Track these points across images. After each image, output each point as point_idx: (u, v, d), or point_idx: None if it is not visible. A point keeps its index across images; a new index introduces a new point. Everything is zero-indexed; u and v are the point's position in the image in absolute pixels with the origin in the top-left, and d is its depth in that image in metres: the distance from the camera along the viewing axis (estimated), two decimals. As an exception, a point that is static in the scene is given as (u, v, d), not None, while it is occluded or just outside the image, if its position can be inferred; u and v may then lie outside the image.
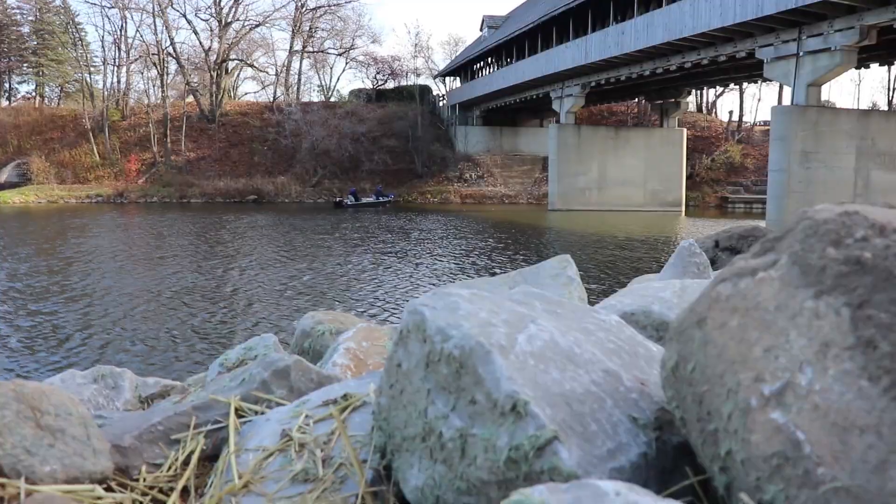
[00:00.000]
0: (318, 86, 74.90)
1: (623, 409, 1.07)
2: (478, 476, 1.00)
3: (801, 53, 23.48)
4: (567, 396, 1.03)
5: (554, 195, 43.20)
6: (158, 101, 58.05)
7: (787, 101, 26.21)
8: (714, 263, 3.14)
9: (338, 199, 46.20)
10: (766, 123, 56.31)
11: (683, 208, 44.29)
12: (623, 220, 35.41)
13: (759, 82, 43.56)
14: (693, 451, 1.00)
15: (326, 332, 2.30)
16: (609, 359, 1.16)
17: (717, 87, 53.70)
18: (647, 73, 33.86)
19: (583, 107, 44.41)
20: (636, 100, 54.57)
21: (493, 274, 17.20)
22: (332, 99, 67.25)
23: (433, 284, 15.88)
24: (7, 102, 66.41)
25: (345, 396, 1.38)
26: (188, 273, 18.06)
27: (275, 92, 63.04)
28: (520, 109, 55.78)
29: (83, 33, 65.89)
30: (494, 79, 51.22)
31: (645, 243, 25.24)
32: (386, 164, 54.19)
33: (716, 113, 63.73)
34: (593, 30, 36.71)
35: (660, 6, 31.05)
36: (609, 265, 18.93)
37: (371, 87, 67.40)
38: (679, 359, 1.00)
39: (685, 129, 46.35)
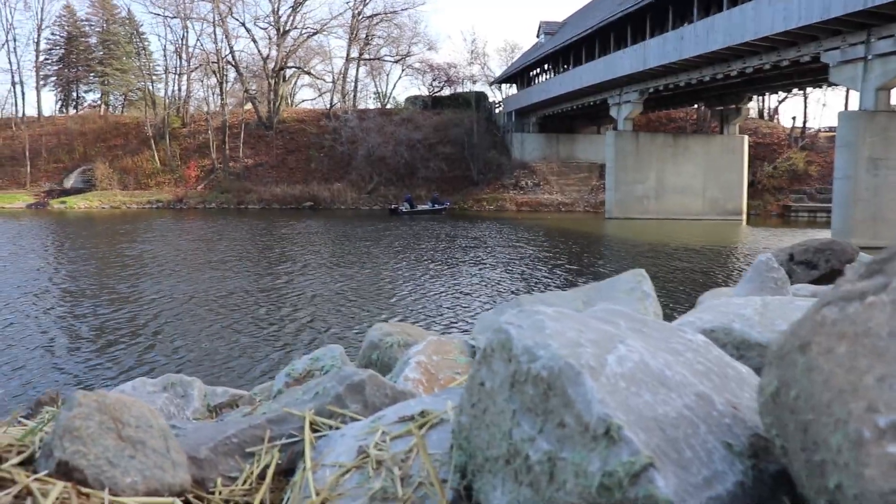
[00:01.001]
0: (375, 93, 75.62)
1: (717, 435, 1.03)
2: (567, 501, 0.97)
3: (869, 56, 22.84)
4: (660, 421, 1.00)
5: (611, 203, 42.80)
6: (217, 109, 59.29)
7: (854, 105, 25.52)
8: (790, 278, 3.06)
9: (393, 205, 46.54)
10: (831, 129, 54.87)
11: (745, 217, 43.42)
12: (682, 230, 34.90)
13: (825, 87, 42.45)
14: (793, 481, 0.95)
15: (395, 345, 2.29)
16: (700, 381, 1.12)
17: (780, 93, 52.68)
18: (707, 78, 33.35)
19: (641, 113, 43.95)
20: (695, 106, 53.78)
21: (558, 286, 17.15)
22: (388, 106, 67.86)
23: (496, 297, 15.80)
24: (74, 111, 68.75)
25: (422, 413, 1.37)
26: (247, 279, 18.33)
27: (331, 99, 63.98)
28: (577, 116, 55.49)
29: (146, 43, 67.63)
30: (551, 85, 51.05)
31: (707, 254, 24.81)
32: (441, 171, 54.41)
33: (778, 119, 62.41)
34: (652, 35, 36.34)
35: (720, 10, 30.54)
36: (673, 277, 18.64)
37: (427, 94, 67.83)
38: (780, 385, 0.96)
39: (746, 136, 45.43)
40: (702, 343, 1.28)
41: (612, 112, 43.30)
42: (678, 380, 1.10)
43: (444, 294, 16.26)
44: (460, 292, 16.51)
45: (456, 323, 13.19)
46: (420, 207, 46.46)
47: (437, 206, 46.53)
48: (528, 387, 1.06)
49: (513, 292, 16.36)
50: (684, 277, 18.79)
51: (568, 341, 1.09)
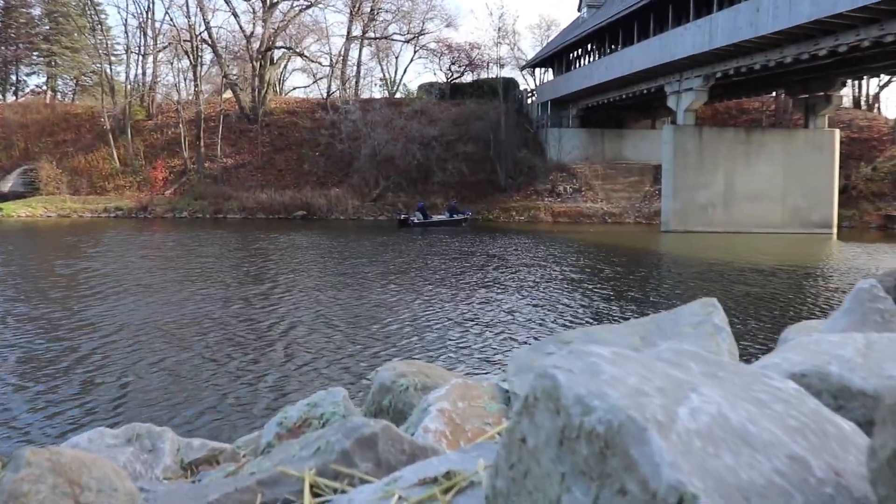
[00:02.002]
0: (381, 79, 76.23)
1: (815, 508, 1.03)
2: (629, 588, 0.97)
3: None
4: (745, 489, 1.00)
5: (668, 213, 42.81)
6: (191, 98, 60.00)
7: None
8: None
9: (402, 215, 46.72)
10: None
11: (835, 230, 43.18)
12: (758, 245, 34.77)
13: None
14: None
15: (411, 388, 2.30)
16: (793, 439, 1.12)
17: (882, 77, 52.44)
18: (789, 59, 33.24)
19: (705, 103, 44.02)
20: (774, 94, 53.79)
21: (606, 317, 17.13)
22: (398, 95, 68.34)
23: (532, 330, 15.77)
24: (14, 98, 69.13)
25: (447, 475, 1.37)
26: (227, 305, 18.39)
27: (329, 87, 64.52)
28: (626, 107, 55.64)
29: (103, 16, 68.58)
30: (595, 69, 51.27)
31: (790, 277, 24.68)
32: (462, 173, 54.75)
33: (879, 109, 61.90)
34: (720, 7, 36.35)
35: (806, -24, 30.54)
36: (747, 307, 18.52)
37: (444, 80, 68.33)
38: (896, 446, 0.95)
39: (837, 130, 45.18)
40: (793, 391, 1.27)
41: (670, 102, 43.38)
42: (765, 438, 1.09)
43: (467, 325, 16.25)
44: (487, 323, 16.50)
45: (484, 361, 13.18)
46: (435, 218, 46.63)
47: (455, 217, 46.69)
48: (580, 445, 1.06)
49: (552, 325, 16.33)
50: (762, 307, 18.68)
51: (630, 390, 1.09)
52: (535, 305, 18.78)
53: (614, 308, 18.44)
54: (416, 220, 45.79)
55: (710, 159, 42.38)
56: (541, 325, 16.38)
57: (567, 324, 16.39)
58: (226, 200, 52.43)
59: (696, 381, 1.18)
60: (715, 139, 42.96)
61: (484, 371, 12.33)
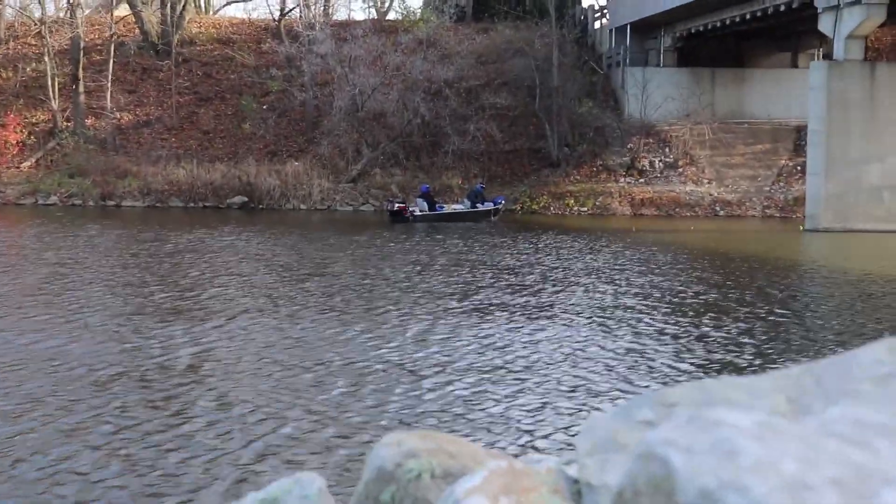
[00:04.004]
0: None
1: None
2: None
3: None
4: None
5: (817, 201, 42.61)
6: (63, 15, 59.69)
7: None
8: None
9: (397, 204, 46.38)
10: None
11: None
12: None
13: None
14: None
15: (425, 475, 2.27)
16: None
17: None
18: None
19: (882, 25, 43.55)
20: None
21: (729, 366, 17.04)
22: (392, 16, 68.25)
23: (613, 384, 15.67)
24: None
25: None
26: (132, 343, 18.45)
27: (283, 0, 64.21)
28: (751, 34, 55.66)
29: None
30: (699, -26, 51.20)
31: None
32: (491, 140, 54.88)
33: None
34: None
35: None
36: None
37: (464, -7, 68.14)
38: None
39: None
40: None
41: (824, 24, 43.18)
42: None
43: (506, 374, 16.20)
44: (538, 372, 16.48)
45: (537, 432, 13.14)
46: (448, 209, 46.50)
47: (479, 207, 46.53)
48: (711, 566, 1.06)
49: (641, 377, 16.19)
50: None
51: (786, 481, 1.09)
52: (611, 347, 18.72)
53: (738, 352, 18.30)
54: (418, 213, 45.63)
55: (890, 115, 42.03)
56: (624, 376, 16.29)
57: (665, 375, 16.33)
58: (120, 178, 52.53)
59: (888, 467, 1.17)
60: (897, 83, 42.67)
61: (538, 448, 12.27)
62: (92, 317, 21.42)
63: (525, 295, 24.93)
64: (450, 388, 15.50)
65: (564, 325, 20.91)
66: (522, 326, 20.66)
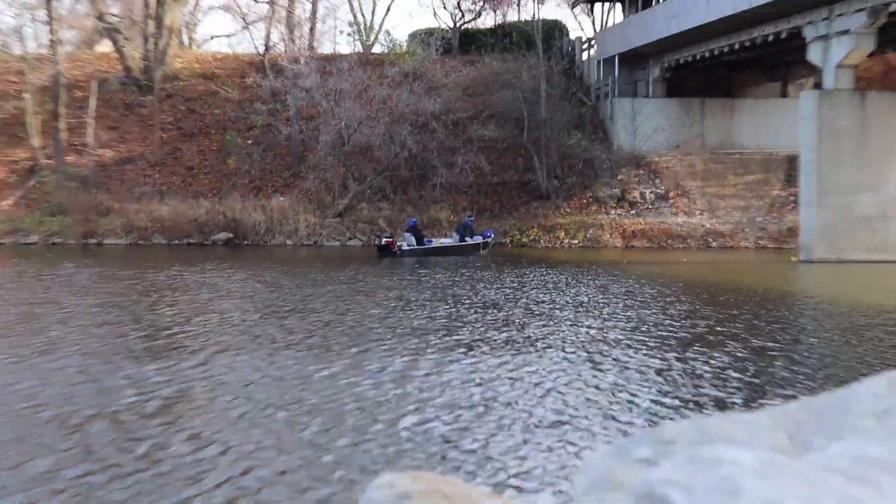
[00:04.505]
0: (351, 24, 76.83)
1: None
2: None
3: None
4: None
5: (810, 231, 42.99)
6: (43, 51, 60.12)
7: None
8: None
9: (384, 239, 47.05)
10: None
11: None
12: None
13: None
14: None
15: (420, 519, 2.14)
16: None
17: None
18: None
19: (871, 54, 43.91)
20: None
21: (725, 401, 16.95)
22: (377, 49, 68.70)
23: (608, 420, 15.65)
24: None
25: None
26: (105, 384, 18.48)
27: (267, 35, 65.68)
28: (741, 64, 56.23)
29: None
30: (691, 4, 51.41)
31: None
32: (479, 172, 55.39)
33: None
34: None
35: None
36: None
37: (450, 25, 68.68)
38: None
39: None
40: None
41: (813, 54, 43.66)
42: None
43: (499, 411, 16.29)
44: (530, 408, 16.55)
45: (531, 471, 13.14)
46: (437, 243, 46.96)
47: (468, 240, 47.00)
48: None
49: (637, 413, 16.30)
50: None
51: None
52: (594, 382, 18.79)
53: (729, 387, 18.38)
54: (405, 247, 46.12)
55: (881, 143, 42.45)
56: (607, 412, 16.36)
57: (650, 411, 16.39)
58: (102, 216, 53.03)
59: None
60: (887, 111, 42.98)
61: (532, 487, 12.34)
62: (65, 358, 21.38)
63: (509, 330, 25.12)
64: (429, 425, 15.47)
65: (549, 359, 21.01)
66: (505, 362, 20.73)
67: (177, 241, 51.36)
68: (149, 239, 51.42)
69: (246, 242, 51.49)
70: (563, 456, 13.64)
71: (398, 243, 46.46)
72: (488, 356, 21.28)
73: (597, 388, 18.18)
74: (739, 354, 21.81)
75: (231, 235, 51.86)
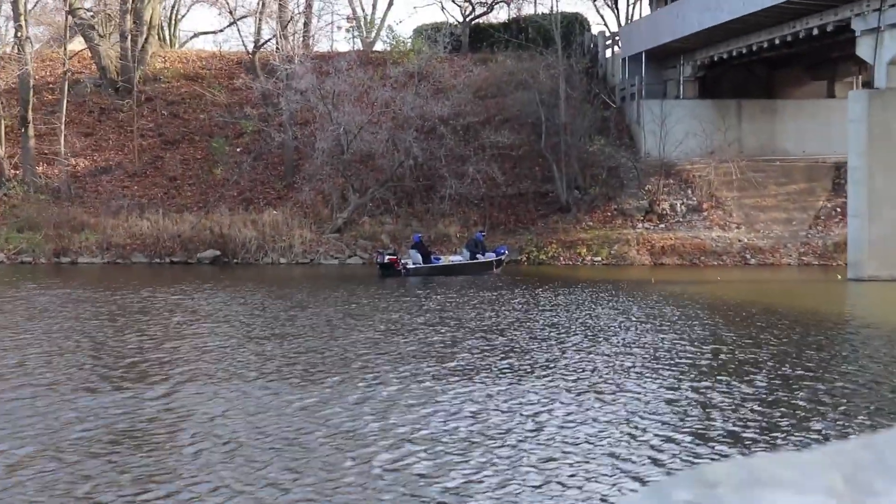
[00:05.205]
0: (349, 19, 76.59)
1: None
2: None
3: None
4: None
5: (861, 246, 42.82)
6: (10, 51, 59.82)
7: None
8: None
9: (387, 256, 46.94)
10: None
11: None
12: None
13: None
14: None
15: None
16: None
17: None
18: None
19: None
20: None
21: (772, 441, 16.72)
22: (379, 47, 68.57)
23: (642, 461, 15.47)
24: None
25: None
26: (59, 417, 18.34)
27: (258, 31, 65.14)
28: (781, 61, 55.82)
29: None
30: (722, -3, 51.30)
31: None
32: (492, 183, 55.12)
33: None
34: None
35: None
36: None
37: (460, 19, 68.51)
38: None
39: None
40: None
41: (862, 50, 43.45)
42: None
43: (472, 447, 16.16)
44: (509, 445, 16.37)
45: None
46: (445, 260, 46.78)
47: (480, 258, 46.83)
48: None
49: (674, 453, 16.07)
50: None
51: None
52: (607, 415, 18.62)
53: (782, 424, 18.11)
54: (411, 265, 45.93)
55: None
56: (618, 449, 16.20)
57: (702, 451, 16.11)
58: (75, 232, 52.72)
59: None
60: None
61: None
62: (13, 390, 21.24)
63: (510, 357, 24.91)
64: (405, 461, 15.36)
65: (548, 389, 20.78)
66: (500, 392, 20.54)
67: (158, 260, 51.21)
68: (128, 257, 51.25)
69: (235, 261, 51.31)
70: (552, 497, 13.58)
71: (403, 261, 46.30)
72: (482, 385, 21.10)
73: (595, 420, 17.99)
74: (784, 387, 21.38)
75: (218, 253, 51.69)
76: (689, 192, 53.89)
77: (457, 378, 21.89)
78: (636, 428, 17.39)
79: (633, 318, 31.96)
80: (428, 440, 16.52)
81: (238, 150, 56.91)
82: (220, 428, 17.45)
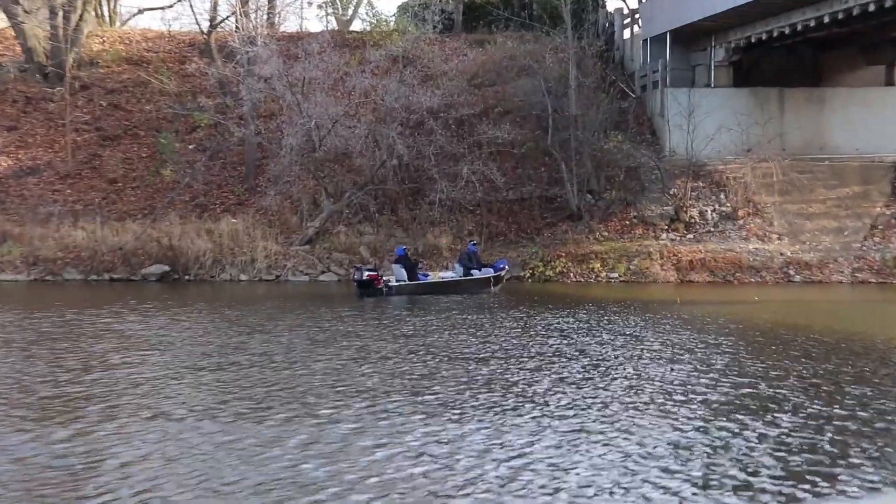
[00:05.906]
0: (321, -5, 76.52)
1: None
2: None
3: None
4: None
5: (927, 260, 42.55)
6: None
7: None
8: None
9: (365, 273, 46.57)
10: None
11: None
12: None
13: None
14: None
15: None
16: None
17: None
18: None
19: None
20: None
21: (797, 492, 16.50)
22: (357, 27, 68.49)
23: None
24: None
25: None
26: None
27: (214, 7, 65.38)
28: (827, 43, 55.70)
29: None
30: (763, -33, 51.18)
31: None
32: (490, 186, 54.84)
33: None
34: None
35: None
36: None
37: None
38: None
39: None
40: None
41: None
42: None
43: (445, 495, 16.13)
44: (488, 491, 16.30)
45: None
46: (433, 277, 46.58)
47: (475, 274, 46.56)
48: None
49: (630, 500, 15.94)
50: None
51: None
52: (594, 458, 18.49)
53: (801, 471, 17.72)
54: (394, 283, 45.74)
55: None
56: (593, 499, 16.02)
57: (657, 498, 15.98)
58: (-1, 243, 52.40)
59: None
60: None
61: None
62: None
63: (490, 390, 24.73)
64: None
65: (533, 430, 20.55)
66: (472, 431, 20.37)
67: (96, 277, 51.06)
68: (59, 273, 51.05)
69: (187, 277, 51.12)
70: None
71: (384, 278, 46.07)
72: (454, 424, 20.93)
73: (582, 465, 17.81)
74: (835, 430, 20.95)
75: (167, 268, 51.50)
76: (722, 196, 53.72)
77: (422, 416, 21.76)
78: (627, 473, 17.21)
79: (646, 346, 31.79)
80: (378, 487, 16.35)
81: (190, 147, 56.84)
82: (133, 477, 17.27)
